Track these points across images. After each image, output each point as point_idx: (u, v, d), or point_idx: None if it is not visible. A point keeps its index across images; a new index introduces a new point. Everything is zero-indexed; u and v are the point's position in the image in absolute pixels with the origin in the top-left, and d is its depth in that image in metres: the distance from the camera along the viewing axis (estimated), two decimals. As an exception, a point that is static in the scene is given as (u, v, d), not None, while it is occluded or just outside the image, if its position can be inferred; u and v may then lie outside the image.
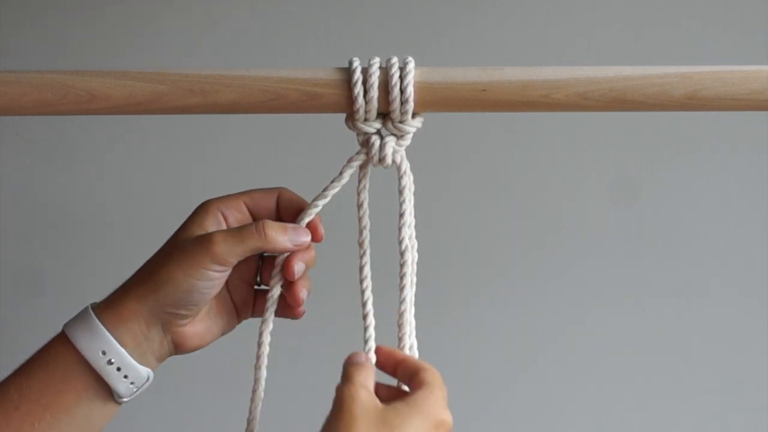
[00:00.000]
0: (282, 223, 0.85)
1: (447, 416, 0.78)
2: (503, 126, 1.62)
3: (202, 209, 0.86)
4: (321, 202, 0.86)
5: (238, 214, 0.87)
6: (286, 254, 0.86)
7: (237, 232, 0.83)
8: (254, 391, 0.89)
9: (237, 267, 0.86)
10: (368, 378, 0.79)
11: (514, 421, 1.65)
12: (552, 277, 1.63)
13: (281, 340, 0.91)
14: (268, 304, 0.88)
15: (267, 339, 0.88)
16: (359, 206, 0.87)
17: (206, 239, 0.83)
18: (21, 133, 1.64)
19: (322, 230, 0.87)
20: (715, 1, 1.60)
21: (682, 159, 1.62)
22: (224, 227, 0.85)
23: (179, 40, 1.63)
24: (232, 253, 0.83)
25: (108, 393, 0.84)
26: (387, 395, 0.81)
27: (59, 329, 0.84)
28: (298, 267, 0.86)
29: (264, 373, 0.89)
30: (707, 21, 1.60)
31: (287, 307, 0.89)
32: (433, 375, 0.80)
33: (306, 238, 0.86)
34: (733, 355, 1.63)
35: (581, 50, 1.60)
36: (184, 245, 0.83)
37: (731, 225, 1.62)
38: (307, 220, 0.87)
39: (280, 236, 0.84)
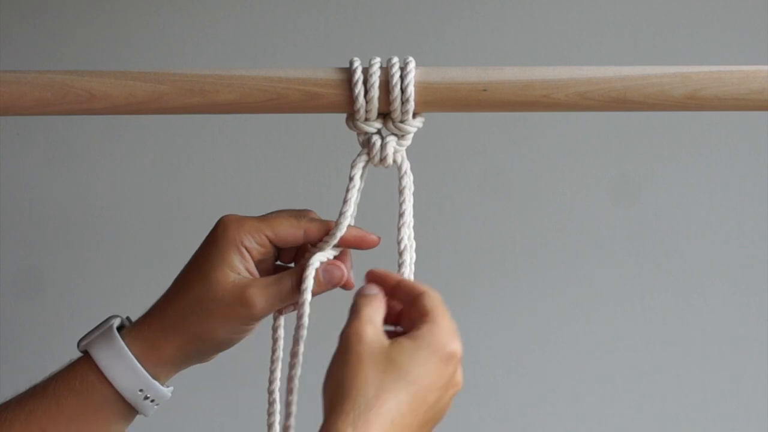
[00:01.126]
0: (316, 272, 0.85)
1: (456, 346, 0.76)
2: (503, 126, 1.62)
3: (229, 245, 0.85)
4: (348, 213, 0.85)
5: (260, 248, 0.85)
6: (309, 271, 0.86)
7: (275, 288, 0.84)
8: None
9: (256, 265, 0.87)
10: (377, 312, 0.78)
11: (514, 421, 1.65)
12: (552, 277, 1.63)
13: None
14: (301, 318, 0.87)
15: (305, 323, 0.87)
16: (345, 201, 0.86)
17: (246, 300, 0.83)
18: (21, 133, 1.64)
19: (370, 236, 0.87)
20: (714, 1, 1.60)
21: (681, 159, 1.62)
22: (248, 261, 0.85)
23: (179, 40, 1.63)
24: (271, 309, 0.84)
25: (134, 414, 0.86)
26: (389, 317, 0.80)
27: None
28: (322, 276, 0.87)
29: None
30: (707, 21, 1.60)
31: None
32: (432, 300, 0.78)
33: (340, 272, 0.85)
34: (733, 354, 1.63)
35: (581, 50, 1.60)
36: (224, 300, 0.83)
37: (731, 225, 1.62)
38: (338, 235, 0.85)
39: (316, 286, 0.84)
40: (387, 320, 0.79)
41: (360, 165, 0.86)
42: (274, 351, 0.90)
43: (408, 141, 0.86)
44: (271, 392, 0.89)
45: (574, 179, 1.62)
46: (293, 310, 0.88)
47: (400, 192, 0.87)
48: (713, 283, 1.62)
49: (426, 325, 0.76)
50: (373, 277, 0.81)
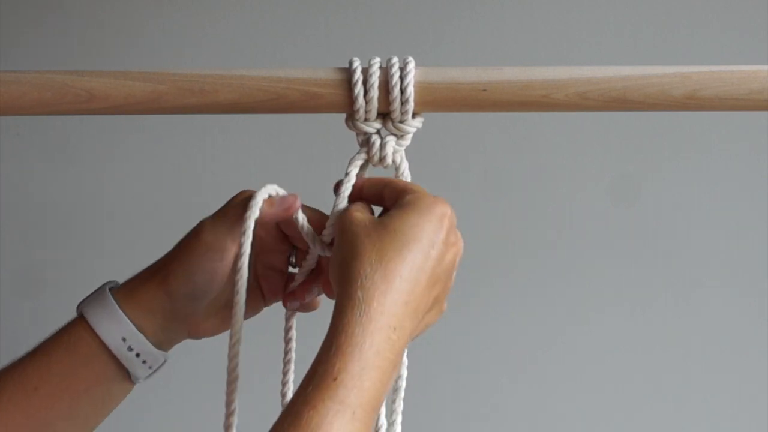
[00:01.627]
0: (268, 199, 0.85)
1: (444, 207, 0.79)
2: (503, 126, 1.62)
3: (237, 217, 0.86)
4: (342, 206, 0.85)
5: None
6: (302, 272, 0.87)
7: (221, 212, 0.85)
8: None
9: (266, 256, 0.87)
10: (362, 205, 0.82)
11: (514, 421, 1.65)
12: (552, 277, 1.63)
13: (279, 342, 0.91)
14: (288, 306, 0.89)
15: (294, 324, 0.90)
16: (338, 195, 0.87)
17: (195, 229, 0.85)
18: (21, 133, 1.64)
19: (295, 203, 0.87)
20: (714, 1, 1.60)
21: (682, 159, 1.62)
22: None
23: (179, 40, 1.63)
24: (221, 235, 0.84)
25: (126, 375, 0.85)
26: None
27: (59, 329, 0.85)
28: (313, 290, 0.88)
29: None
30: (707, 21, 1.60)
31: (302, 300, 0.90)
32: (414, 185, 0.81)
33: (293, 202, 0.85)
34: (733, 354, 1.63)
35: (581, 50, 1.60)
36: (184, 238, 0.85)
37: (731, 225, 1.62)
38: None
39: (267, 207, 0.84)
40: (372, 200, 0.84)
41: (357, 162, 0.86)
42: (286, 353, 0.90)
43: (407, 141, 0.86)
44: (283, 395, 0.90)
45: (574, 179, 1.62)
46: (298, 306, 0.88)
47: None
48: (713, 283, 1.62)
49: (409, 195, 0.80)
50: (366, 183, 0.84)
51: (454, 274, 0.80)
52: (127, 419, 1.64)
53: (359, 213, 0.80)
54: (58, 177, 1.65)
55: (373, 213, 0.83)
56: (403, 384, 0.86)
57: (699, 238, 1.62)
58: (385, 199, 0.83)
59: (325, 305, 0.86)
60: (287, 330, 0.90)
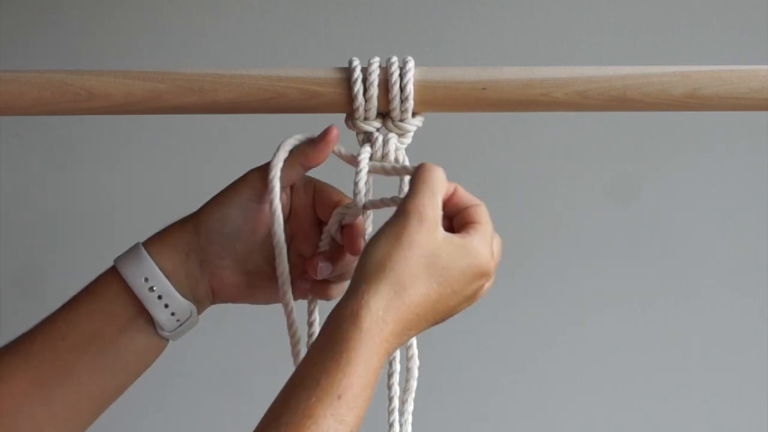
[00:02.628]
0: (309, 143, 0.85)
1: (492, 265, 0.78)
2: (503, 126, 1.62)
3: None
4: (360, 197, 0.84)
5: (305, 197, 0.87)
6: (333, 227, 0.85)
7: (268, 163, 0.84)
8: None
9: (300, 243, 0.86)
10: (441, 193, 0.80)
11: (514, 422, 1.65)
12: (551, 277, 1.63)
13: (283, 344, 0.90)
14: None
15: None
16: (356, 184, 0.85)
17: (245, 174, 0.85)
18: (21, 133, 1.64)
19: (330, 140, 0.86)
20: (714, 0, 1.60)
21: (681, 159, 1.62)
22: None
23: (178, 39, 1.63)
24: (261, 172, 0.84)
25: (152, 326, 0.83)
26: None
27: (92, 281, 0.85)
28: (325, 268, 0.85)
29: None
30: (707, 20, 1.60)
31: (320, 285, 0.87)
32: (486, 213, 0.81)
33: (332, 131, 0.84)
34: (733, 354, 1.63)
35: (581, 49, 1.60)
36: (224, 189, 0.85)
37: (731, 224, 1.62)
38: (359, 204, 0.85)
39: (308, 147, 0.85)
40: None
41: (365, 155, 0.85)
42: (310, 336, 0.88)
43: (408, 139, 0.86)
44: None
45: (573, 179, 1.62)
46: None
47: (401, 191, 0.87)
48: (713, 282, 1.62)
49: (478, 234, 0.78)
50: None
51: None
52: (127, 419, 1.64)
53: (432, 212, 0.77)
54: (57, 177, 1.65)
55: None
56: (414, 384, 0.86)
57: (699, 237, 1.62)
58: (447, 209, 0.81)
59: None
60: (310, 319, 0.87)
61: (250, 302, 0.87)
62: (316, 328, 0.86)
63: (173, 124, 1.61)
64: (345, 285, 0.85)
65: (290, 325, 0.84)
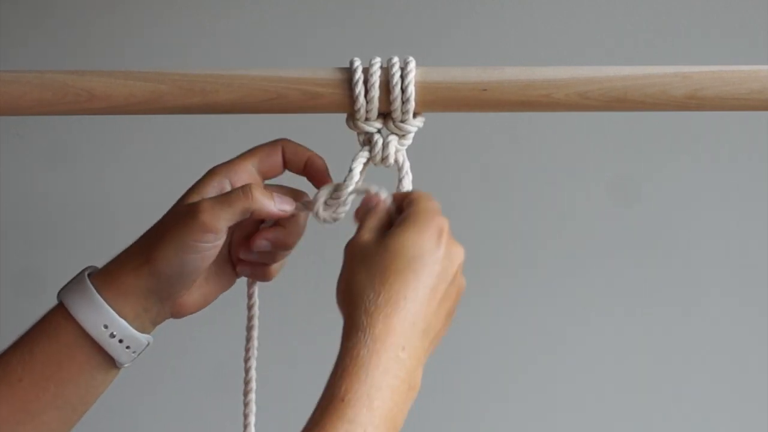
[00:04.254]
0: (268, 188, 0.85)
1: (440, 221, 0.78)
2: (503, 126, 1.62)
3: (207, 175, 0.87)
4: (345, 201, 0.85)
5: (246, 177, 0.86)
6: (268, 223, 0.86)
7: (223, 197, 0.83)
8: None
9: (244, 224, 0.86)
10: (374, 218, 0.80)
11: (514, 423, 1.65)
12: (552, 276, 1.63)
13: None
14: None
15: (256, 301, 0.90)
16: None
17: (193, 209, 0.83)
18: (21, 133, 1.64)
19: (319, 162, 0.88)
20: (715, 1, 1.60)
21: (682, 159, 1.62)
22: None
23: (179, 39, 1.63)
24: (220, 218, 0.82)
25: (110, 361, 0.84)
26: None
27: (41, 318, 0.85)
28: (261, 244, 0.86)
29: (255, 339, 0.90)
30: (708, 21, 1.60)
31: (258, 269, 0.88)
32: (416, 192, 0.81)
33: (289, 207, 0.85)
34: (734, 355, 1.63)
35: (581, 50, 1.60)
36: (175, 217, 0.84)
37: (732, 225, 1.62)
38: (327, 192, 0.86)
39: (267, 200, 0.83)
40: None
41: (361, 160, 0.86)
42: (249, 319, 0.90)
43: (409, 140, 0.86)
44: (247, 370, 0.90)
45: (574, 179, 1.62)
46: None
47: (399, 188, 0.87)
48: (714, 283, 1.62)
49: (407, 210, 0.79)
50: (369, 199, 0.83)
51: (462, 280, 0.80)
52: (125, 420, 1.64)
53: (366, 235, 0.79)
54: (58, 177, 1.65)
55: (386, 228, 0.81)
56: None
57: (699, 238, 1.62)
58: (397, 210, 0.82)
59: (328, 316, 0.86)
60: (249, 302, 0.90)
61: (206, 305, 0.88)
62: (256, 310, 0.89)
63: (174, 124, 1.60)
64: (279, 266, 0.88)
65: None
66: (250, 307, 0.90)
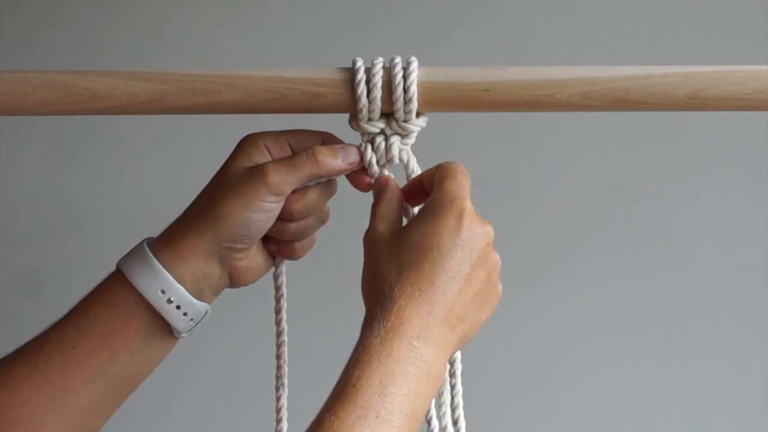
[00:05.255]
0: (331, 147, 0.85)
1: (462, 203, 0.79)
2: (505, 126, 1.62)
3: (249, 141, 0.86)
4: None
5: (281, 151, 0.86)
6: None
7: (289, 160, 0.84)
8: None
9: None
10: (390, 206, 0.81)
11: (514, 423, 1.65)
12: (552, 277, 1.63)
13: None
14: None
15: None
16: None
17: (260, 170, 0.83)
18: (21, 133, 1.64)
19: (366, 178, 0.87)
20: (717, 1, 1.60)
21: (683, 159, 1.62)
22: (267, 156, 0.85)
23: (181, 40, 1.63)
24: (287, 182, 0.83)
25: (166, 329, 0.84)
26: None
27: (98, 285, 0.85)
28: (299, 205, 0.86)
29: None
30: (710, 21, 1.60)
31: (285, 246, 0.89)
32: (443, 170, 0.81)
33: (356, 156, 0.85)
34: (735, 356, 1.63)
35: (584, 50, 1.60)
36: (237, 179, 0.83)
37: (733, 225, 1.62)
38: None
39: (332, 159, 0.84)
40: (421, 199, 0.83)
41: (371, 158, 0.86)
42: (277, 299, 0.90)
43: (412, 140, 0.86)
44: (279, 356, 0.90)
45: (575, 179, 1.62)
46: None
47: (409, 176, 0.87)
48: (714, 283, 1.62)
49: (431, 195, 0.79)
50: (403, 189, 0.84)
51: (495, 257, 0.79)
52: (125, 419, 1.64)
53: (382, 225, 0.79)
54: (58, 177, 1.65)
55: (402, 218, 0.82)
56: (459, 390, 0.87)
57: (700, 238, 1.62)
58: (429, 192, 0.82)
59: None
60: (276, 283, 0.90)
61: (260, 276, 0.88)
62: (284, 291, 0.90)
63: (175, 124, 1.60)
64: (308, 245, 0.88)
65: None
66: (277, 288, 0.90)
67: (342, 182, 0.88)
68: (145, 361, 0.84)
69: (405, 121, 0.85)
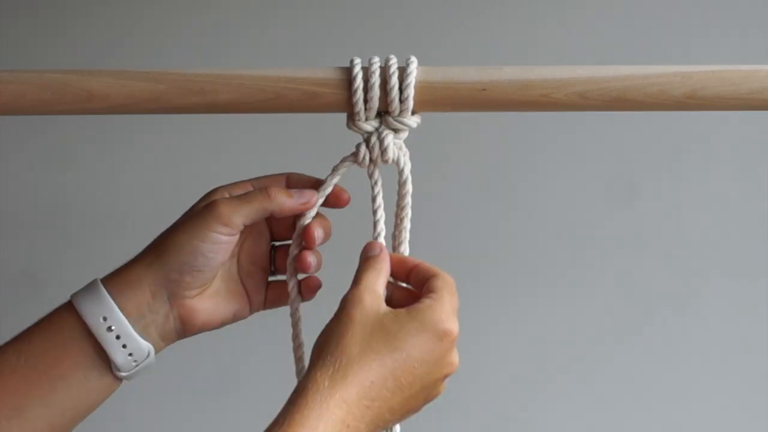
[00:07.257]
0: (287, 189, 0.85)
1: (452, 325, 0.78)
2: (503, 126, 1.62)
3: (211, 192, 0.86)
4: (332, 181, 0.87)
5: (242, 192, 0.86)
6: (305, 222, 0.86)
7: (242, 195, 0.84)
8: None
9: (249, 252, 0.87)
10: (378, 277, 0.80)
11: (514, 423, 1.65)
12: (551, 277, 1.63)
13: (285, 344, 0.91)
14: (288, 265, 0.87)
15: (298, 312, 0.88)
16: (374, 211, 0.87)
17: (212, 203, 0.83)
18: (21, 133, 1.64)
19: (345, 195, 0.87)
20: (715, 0, 1.60)
21: (682, 159, 1.62)
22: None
23: (178, 39, 1.63)
24: (237, 213, 0.82)
25: (107, 364, 0.82)
26: (403, 297, 0.81)
27: (46, 314, 0.84)
28: (318, 233, 0.86)
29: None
30: (707, 20, 1.60)
31: (307, 282, 0.88)
32: (443, 281, 0.80)
33: (311, 196, 0.85)
34: (734, 356, 1.63)
35: (581, 50, 1.60)
36: (192, 214, 0.84)
37: (732, 226, 1.62)
38: (325, 193, 0.87)
39: (284, 197, 0.84)
40: (399, 277, 0.82)
41: (341, 170, 0.86)
42: (295, 339, 0.89)
43: (404, 135, 0.85)
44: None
45: (574, 179, 1.62)
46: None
47: (401, 197, 0.87)
48: (714, 284, 1.62)
49: (427, 300, 0.78)
50: (392, 261, 0.83)
51: (442, 388, 0.79)
52: (125, 419, 1.64)
53: (370, 297, 0.78)
54: (57, 177, 1.65)
55: (386, 293, 0.81)
56: None
57: (699, 238, 1.62)
58: (411, 282, 0.82)
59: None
60: (294, 323, 0.89)
61: (216, 325, 0.87)
62: (301, 327, 0.89)
63: (173, 124, 1.61)
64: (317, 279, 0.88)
65: (296, 335, 0.88)
66: (295, 325, 0.89)
67: (342, 182, 0.88)
68: (84, 398, 0.82)
69: (400, 119, 0.84)
